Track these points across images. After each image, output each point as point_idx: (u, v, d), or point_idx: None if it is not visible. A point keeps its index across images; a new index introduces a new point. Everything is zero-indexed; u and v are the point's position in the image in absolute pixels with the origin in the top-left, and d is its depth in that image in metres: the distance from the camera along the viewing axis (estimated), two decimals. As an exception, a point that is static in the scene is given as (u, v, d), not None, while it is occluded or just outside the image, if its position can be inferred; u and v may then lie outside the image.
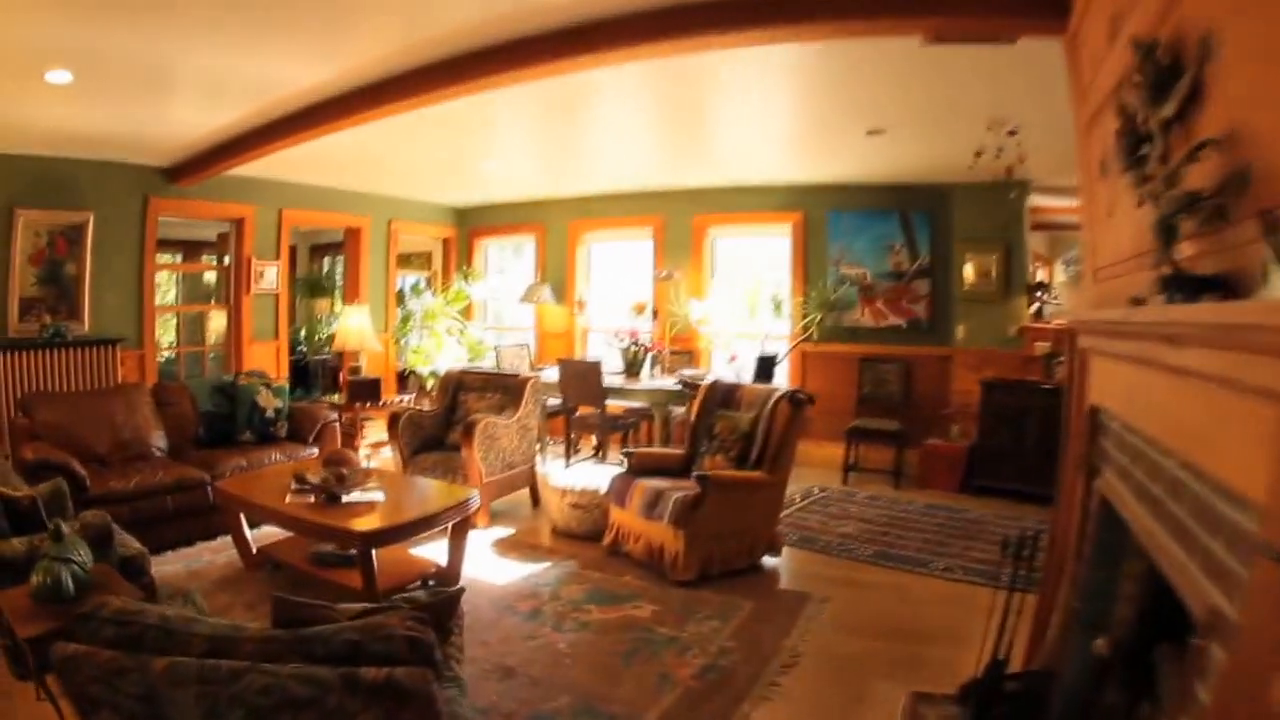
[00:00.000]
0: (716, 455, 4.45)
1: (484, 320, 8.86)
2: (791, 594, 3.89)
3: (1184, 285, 1.32)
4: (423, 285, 8.54)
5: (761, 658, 3.16)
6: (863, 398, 6.59)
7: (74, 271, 5.57)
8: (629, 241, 8.08)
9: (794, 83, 4.12)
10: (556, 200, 8.13)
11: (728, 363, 6.85)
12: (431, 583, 3.88)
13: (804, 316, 6.75)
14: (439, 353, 7.64)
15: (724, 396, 4.78)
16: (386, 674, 1.36)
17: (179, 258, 8.86)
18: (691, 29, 2.98)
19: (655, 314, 7.36)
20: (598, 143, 5.85)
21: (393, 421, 5.21)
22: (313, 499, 3.68)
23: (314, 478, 3.77)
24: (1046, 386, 5.52)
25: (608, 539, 4.44)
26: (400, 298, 8.24)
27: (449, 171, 6.91)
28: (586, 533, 4.64)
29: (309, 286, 9.36)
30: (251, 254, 6.72)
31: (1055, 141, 4.32)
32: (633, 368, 6.38)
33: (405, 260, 8.95)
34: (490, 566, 4.19)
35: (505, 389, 5.39)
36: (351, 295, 7.67)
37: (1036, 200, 6.10)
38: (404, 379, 7.95)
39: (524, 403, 5.22)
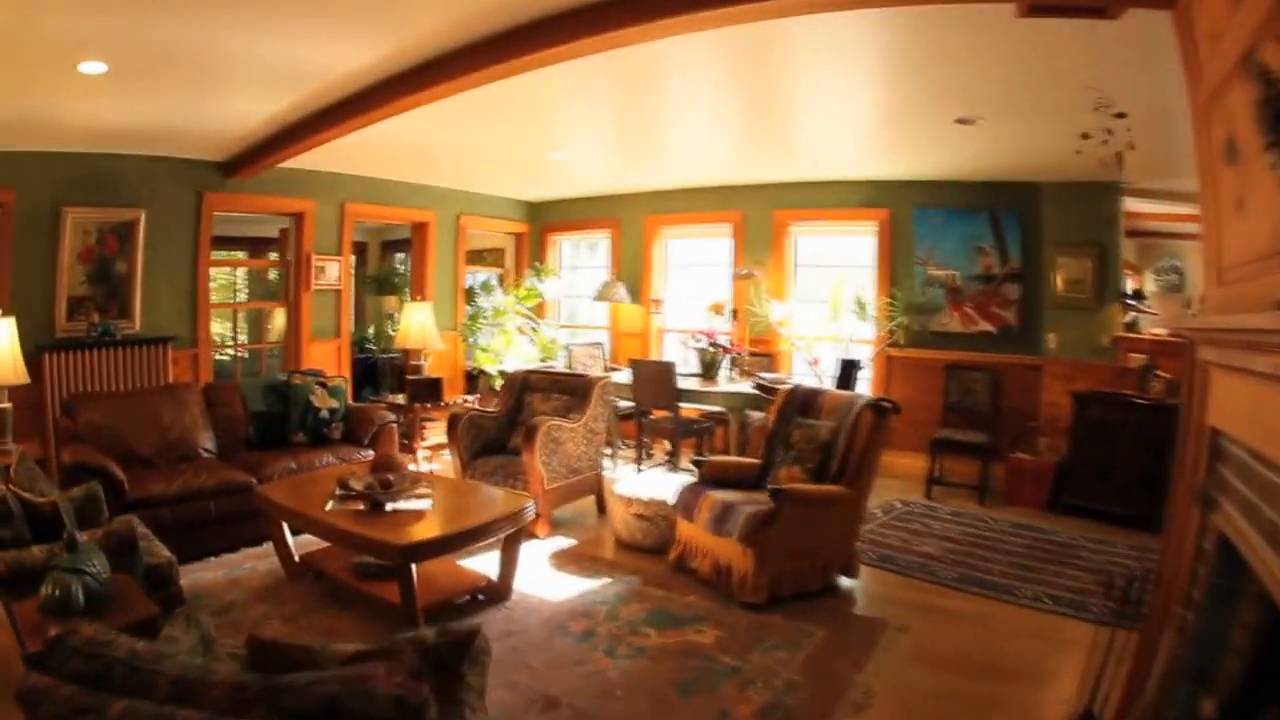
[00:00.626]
0: (793, 466, 4.07)
1: (557, 319, 8.61)
2: (867, 620, 3.58)
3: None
4: (493, 282, 8.32)
5: (831, 694, 2.85)
6: (948, 407, 6.13)
7: (124, 269, 5.48)
8: (707, 239, 7.71)
9: (877, 62, 3.77)
10: (631, 194, 7.83)
11: (809, 366, 6.47)
12: (481, 597, 3.61)
13: (889, 319, 6.31)
14: (508, 351, 7.43)
15: (804, 403, 4.40)
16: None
17: (244, 255, 8.89)
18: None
19: (734, 314, 7.02)
20: (671, 133, 5.56)
21: (452, 423, 4.99)
22: (356, 507, 3.46)
23: (358, 484, 3.56)
24: (1142, 401, 5.14)
25: (673, 554, 4.13)
26: (470, 295, 8.05)
27: (516, 164, 6.69)
28: (652, 545, 4.34)
29: (378, 283, 9.28)
30: (311, 249, 6.62)
31: (1151, 138, 3.86)
32: (709, 370, 6.14)
33: (476, 257, 8.79)
34: (545, 581, 3.90)
35: (572, 390, 5.13)
36: (418, 292, 7.51)
37: (1129, 205, 5.65)
38: (472, 379, 7.74)
39: (591, 405, 4.94)
